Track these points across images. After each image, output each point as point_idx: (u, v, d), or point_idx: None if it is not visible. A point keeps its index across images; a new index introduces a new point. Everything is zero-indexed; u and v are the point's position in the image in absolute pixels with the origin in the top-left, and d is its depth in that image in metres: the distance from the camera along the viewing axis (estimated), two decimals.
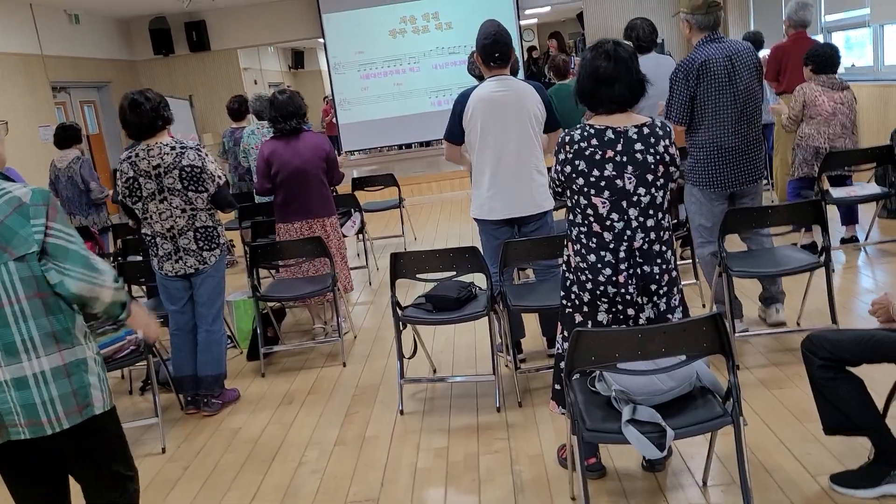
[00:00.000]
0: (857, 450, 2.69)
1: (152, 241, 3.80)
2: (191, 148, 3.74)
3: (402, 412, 3.66)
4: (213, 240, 3.85)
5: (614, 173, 2.49)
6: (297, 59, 18.32)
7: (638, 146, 2.48)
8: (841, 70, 5.65)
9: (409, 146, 13.73)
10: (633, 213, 2.52)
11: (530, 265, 4.12)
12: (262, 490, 3.11)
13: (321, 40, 12.12)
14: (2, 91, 8.22)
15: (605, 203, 2.52)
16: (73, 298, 1.99)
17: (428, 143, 13.39)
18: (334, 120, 12.37)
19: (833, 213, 5.10)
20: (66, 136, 6.34)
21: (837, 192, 4.85)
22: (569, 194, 2.63)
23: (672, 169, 2.54)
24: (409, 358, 3.83)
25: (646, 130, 2.50)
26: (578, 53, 13.63)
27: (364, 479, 3.10)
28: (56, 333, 1.98)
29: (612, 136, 2.49)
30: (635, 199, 2.51)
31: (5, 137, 2.13)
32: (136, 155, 3.72)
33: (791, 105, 4.96)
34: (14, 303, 1.93)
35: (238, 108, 6.81)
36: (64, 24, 9.74)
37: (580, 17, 13.42)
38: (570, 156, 2.54)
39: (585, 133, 2.52)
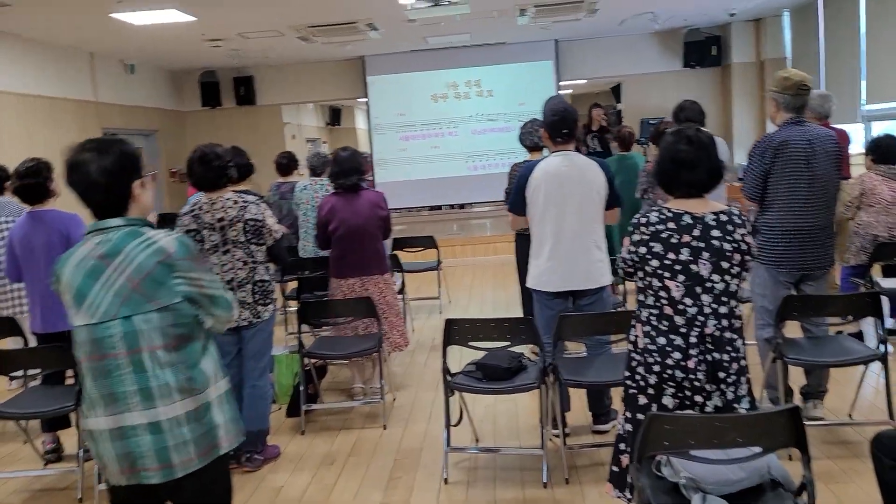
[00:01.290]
0: None
1: None
2: (252, 203, 3.84)
3: (446, 481, 3.62)
4: (268, 294, 3.90)
5: (690, 258, 2.52)
6: (335, 116, 18.72)
7: (715, 233, 2.51)
8: None
9: (439, 208, 13.89)
10: (706, 299, 2.53)
11: (583, 340, 4.12)
12: None
13: (360, 99, 12.41)
14: (53, 133, 8.47)
15: (678, 287, 2.54)
16: (219, 332, 2.20)
17: (461, 206, 13.53)
18: (370, 177, 12.57)
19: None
20: None
21: (887, 283, 4.83)
22: (641, 275, 2.65)
23: (747, 258, 2.56)
24: (455, 425, 3.81)
25: (723, 218, 2.53)
26: (612, 126, 13.85)
27: None
28: (189, 379, 2.07)
29: (690, 221, 2.53)
30: (709, 285, 2.53)
31: (151, 185, 2.22)
32: (200, 208, 3.81)
33: (849, 191, 4.99)
34: (152, 350, 2.01)
35: (286, 164, 6.97)
36: (120, 74, 10.08)
37: (615, 89, 13.69)
38: (647, 237, 2.58)
39: (663, 216, 2.56)
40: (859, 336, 4.84)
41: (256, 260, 3.84)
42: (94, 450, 2.11)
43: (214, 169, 3.77)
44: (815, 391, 3.86)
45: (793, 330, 3.94)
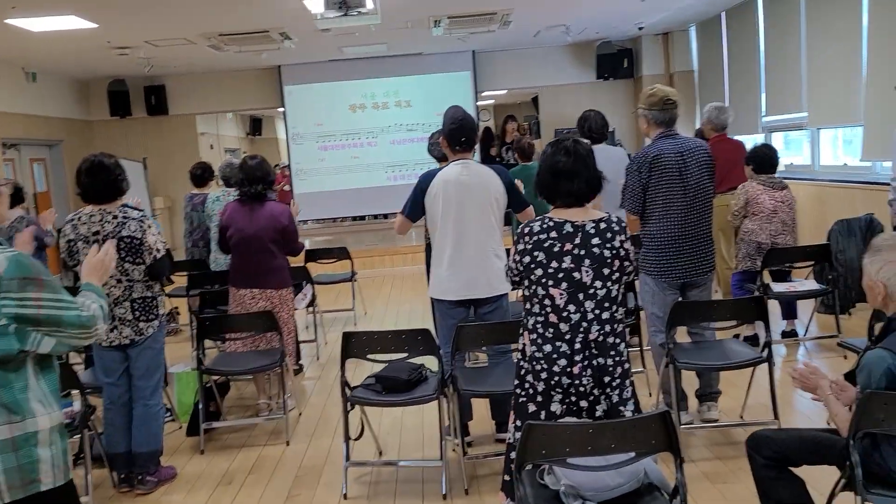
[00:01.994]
0: None
1: None
2: (133, 219, 3.68)
3: (345, 496, 3.56)
4: (151, 311, 3.75)
5: (572, 266, 2.55)
6: (255, 126, 18.42)
7: (595, 240, 2.56)
8: (781, 168, 5.95)
9: (362, 218, 13.80)
10: (589, 305, 2.57)
11: (483, 349, 4.13)
12: None
13: (278, 109, 12.24)
14: None
15: (562, 294, 2.57)
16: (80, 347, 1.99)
17: (384, 216, 13.48)
18: (287, 188, 12.39)
19: (773, 306, 5.26)
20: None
21: (778, 287, 5.03)
22: (526, 284, 2.67)
23: (626, 263, 2.61)
24: (356, 439, 3.75)
25: (602, 225, 2.58)
26: (531, 135, 14.05)
27: None
28: (8, 405, 1.93)
29: (571, 230, 2.56)
30: (592, 291, 2.56)
31: (4, 198, 2.08)
32: (79, 219, 3.66)
33: (734, 202, 5.18)
34: None
35: (201, 175, 6.80)
36: (20, 82, 9.64)
37: (535, 100, 13.91)
38: (530, 247, 2.60)
39: (545, 225, 2.59)
40: (755, 339, 5.04)
41: (133, 278, 3.68)
42: None
43: (102, 181, 3.63)
44: (707, 394, 3.97)
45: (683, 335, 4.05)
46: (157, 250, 3.69)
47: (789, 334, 5.39)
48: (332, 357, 6.10)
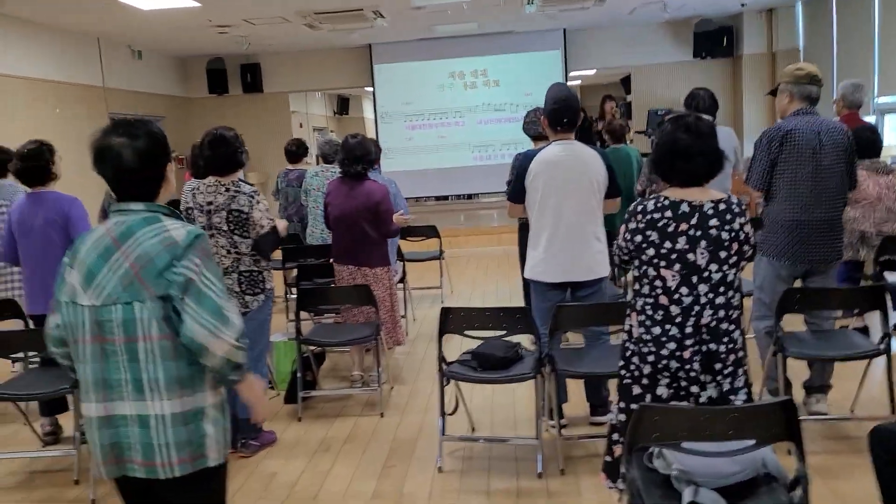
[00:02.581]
0: None
1: None
2: (244, 193, 3.78)
3: (440, 470, 3.60)
4: (257, 284, 3.86)
5: (687, 247, 2.48)
6: (343, 105, 18.68)
7: (713, 222, 2.47)
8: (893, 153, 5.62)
9: (446, 198, 13.85)
10: (702, 288, 2.49)
11: (580, 330, 4.08)
12: None
13: (369, 89, 12.37)
14: (62, 119, 8.48)
15: (674, 276, 2.50)
16: (191, 344, 1.92)
17: (468, 196, 13.49)
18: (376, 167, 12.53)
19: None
20: None
21: (891, 277, 4.76)
22: (637, 264, 2.61)
23: (746, 247, 2.51)
24: (450, 414, 3.78)
25: (722, 206, 2.49)
26: (621, 117, 13.75)
27: None
28: (181, 378, 1.96)
29: (687, 210, 2.48)
30: (706, 274, 2.49)
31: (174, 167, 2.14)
32: (198, 188, 3.80)
33: None
34: (147, 340, 1.93)
35: (295, 151, 6.98)
36: (127, 59, 10.07)
37: (624, 81, 13.59)
38: (642, 226, 2.54)
39: (659, 204, 2.52)
40: (864, 331, 4.79)
41: (240, 251, 3.79)
42: (87, 435, 2.04)
43: (222, 153, 3.75)
44: (817, 386, 3.81)
45: (796, 323, 3.90)
46: (262, 226, 3.78)
47: None
48: (420, 333, 6.17)
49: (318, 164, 6.43)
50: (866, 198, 4.82)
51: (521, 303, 6.59)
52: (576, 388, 4.19)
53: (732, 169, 4.94)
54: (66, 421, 4.19)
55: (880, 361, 3.64)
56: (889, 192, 4.83)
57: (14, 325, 4.54)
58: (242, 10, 8.27)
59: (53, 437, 4.14)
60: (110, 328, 1.93)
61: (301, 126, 14.58)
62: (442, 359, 3.64)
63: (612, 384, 3.99)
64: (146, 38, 9.65)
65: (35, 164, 3.95)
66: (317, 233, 6.10)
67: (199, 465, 2.00)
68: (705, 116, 2.59)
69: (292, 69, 12.02)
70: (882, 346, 3.45)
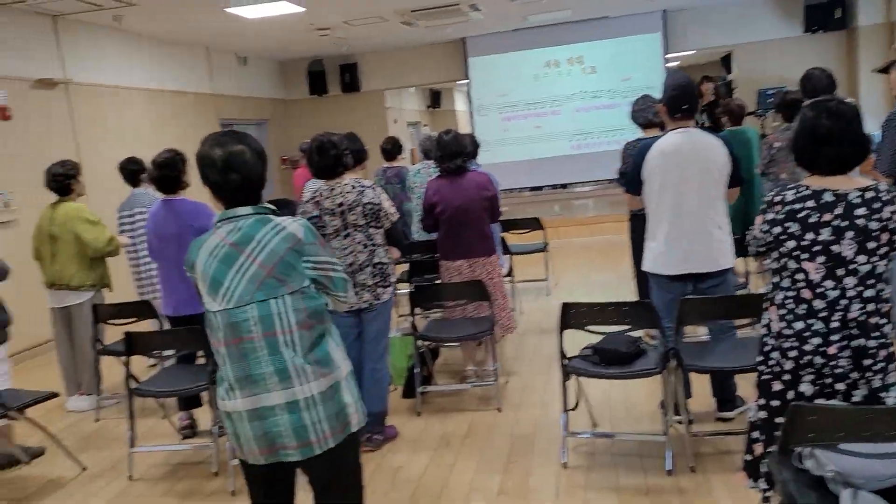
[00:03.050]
0: None
1: None
2: (368, 187, 3.91)
3: (565, 465, 3.59)
4: (387, 277, 3.97)
5: (832, 238, 2.37)
6: (435, 99, 18.83)
7: (860, 211, 2.35)
8: None
9: (540, 188, 13.75)
10: (849, 281, 2.38)
11: (707, 324, 3.97)
12: None
13: (461, 81, 12.41)
14: (177, 126, 8.92)
15: (818, 269, 2.40)
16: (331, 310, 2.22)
17: (563, 186, 13.34)
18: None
19: None
20: None
21: None
22: (775, 256, 2.52)
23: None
24: (572, 410, 3.76)
25: (869, 195, 2.37)
26: (722, 99, 13.23)
27: None
28: (321, 360, 2.13)
29: (832, 199, 2.37)
30: (853, 267, 2.37)
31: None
32: (320, 195, 3.91)
33: None
34: (286, 332, 2.08)
35: (391, 149, 7.07)
36: (233, 66, 10.48)
37: (724, 60, 13.07)
38: (781, 217, 2.44)
39: (800, 194, 2.42)
40: None
41: (375, 242, 3.92)
42: (230, 430, 2.18)
43: (332, 157, 3.86)
44: None
45: None
46: (392, 213, 3.93)
47: None
48: (528, 326, 6.16)
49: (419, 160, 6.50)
50: None
51: (627, 294, 6.49)
52: (699, 384, 4.10)
53: None
54: (200, 415, 4.42)
55: None
56: None
57: (151, 325, 4.83)
58: (343, 11, 8.46)
59: (190, 430, 4.37)
60: (247, 327, 2.05)
61: (395, 122, 14.79)
62: (563, 354, 3.63)
63: (740, 379, 3.89)
64: (251, 44, 10.01)
65: (169, 174, 4.16)
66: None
67: (347, 432, 2.20)
68: (848, 100, 2.46)
69: (388, 66, 12.21)
70: None
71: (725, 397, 3.84)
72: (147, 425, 4.62)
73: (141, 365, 5.34)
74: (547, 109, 11.92)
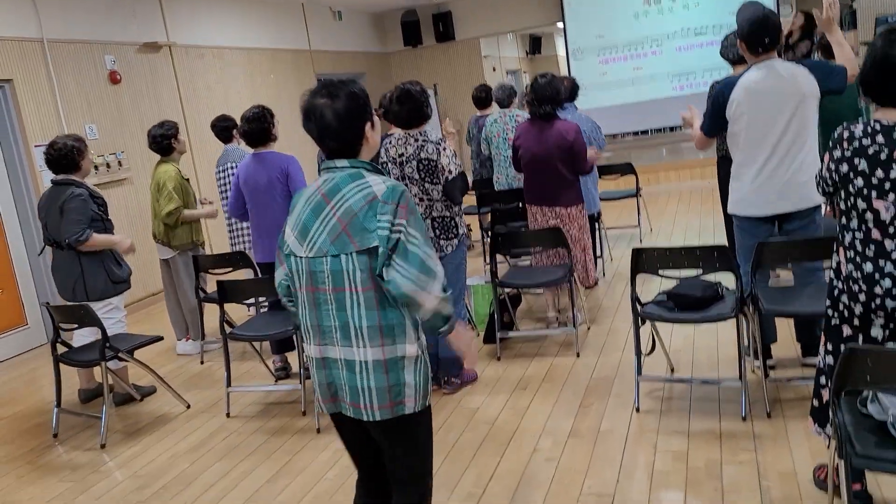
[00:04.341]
0: None
1: None
2: (431, 142, 3.92)
3: (637, 409, 3.60)
4: (451, 230, 4.02)
5: None
6: (535, 45, 18.44)
7: None
8: None
9: (645, 132, 13.30)
10: None
11: (788, 266, 3.83)
12: (498, 472, 3.23)
13: (560, 25, 12.10)
14: (274, 84, 9.23)
15: (889, 208, 2.27)
16: (401, 297, 2.01)
17: (670, 129, 12.86)
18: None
19: None
20: None
21: None
22: (843, 196, 2.40)
23: None
24: (647, 355, 3.74)
25: None
26: (846, 28, 12.26)
27: (599, 473, 3.10)
28: (383, 328, 2.06)
29: None
30: None
31: (378, 125, 2.21)
32: (389, 142, 4.00)
33: None
34: (353, 291, 2.06)
35: (483, 97, 7.05)
36: (329, 21, 10.68)
37: None
38: (849, 154, 2.32)
39: (870, 129, 2.28)
40: None
41: (432, 197, 3.96)
42: (312, 373, 2.25)
43: (409, 108, 3.92)
44: None
45: None
46: (450, 171, 3.92)
47: None
48: (618, 273, 6.09)
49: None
50: None
51: (724, 239, 6.28)
52: (786, 328, 3.97)
53: None
54: (293, 358, 4.70)
55: None
56: None
57: (245, 274, 5.14)
58: None
59: (284, 372, 4.65)
60: (322, 278, 2.09)
61: (494, 70, 14.63)
62: (636, 299, 3.60)
63: None
64: None
65: (257, 127, 4.37)
66: (501, 179, 6.15)
67: (397, 412, 2.10)
68: None
69: (482, 13, 12.07)
70: None
71: (810, 341, 3.70)
72: (245, 368, 4.96)
73: (242, 311, 5.70)
74: (646, 50, 11.47)
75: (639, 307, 3.59)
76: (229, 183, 5.38)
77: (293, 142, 7.67)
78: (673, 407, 3.60)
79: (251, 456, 3.71)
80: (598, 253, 6.30)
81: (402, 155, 3.93)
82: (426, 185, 3.95)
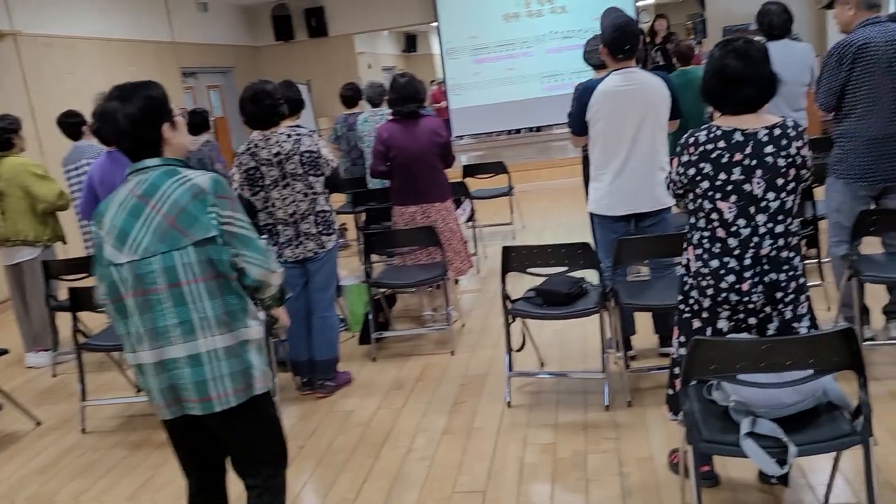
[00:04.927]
0: None
1: (273, 228, 3.96)
2: (305, 135, 3.88)
3: (509, 405, 3.68)
4: (331, 225, 3.98)
5: (742, 177, 2.40)
6: (410, 43, 18.54)
7: (769, 149, 2.38)
8: None
9: (517, 131, 13.66)
10: (760, 218, 2.42)
11: (645, 263, 4.04)
12: (373, 473, 3.22)
13: (435, 24, 12.21)
14: (136, 76, 8.75)
15: (731, 208, 2.43)
16: (254, 283, 2.14)
17: (538, 129, 13.27)
18: (444, 104, 12.45)
19: None
20: (198, 122, 6.66)
21: None
22: (691, 197, 2.55)
23: (804, 171, 2.41)
24: (518, 351, 3.84)
25: (777, 132, 2.39)
26: (697, 36, 13.08)
27: (471, 469, 3.15)
28: (228, 314, 2.11)
29: (741, 139, 2.39)
30: (763, 204, 2.41)
31: (182, 125, 2.22)
32: (256, 145, 3.88)
33: None
34: (191, 283, 2.06)
35: (351, 96, 6.96)
36: (193, 13, 10.25)
37: None
38: (695, 158, 2.46)
39: (712, 134, 2.43)
40: None
41: (316, 191, 3.91)
42: (141, 383, 2.19)
43: (266, 107, 3.81)
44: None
45: (873, 247, 3.74)
46: (331, 160, 3.92)
47: None
48: (492, 270, 6.20)
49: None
50: None
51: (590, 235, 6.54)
52: (645, 321, 4.18)
53: (806, 89, 4.67)
54: None
55: None
56: None
57: None
58: None
59: None
60: (152, 279, 2.06)
61: (370, 67, 14.57)
62: (506, 297, 3.68)
63: None
64: None
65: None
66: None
67: (250, 393, 2.16)
68: (757, 39, 2.45)
69: (355, 10, 11.97)
70: None
71: (667, 333, 3.91)
72: (103, 379, 4.68)
73: (99, 320, 5.37)
74: (518, 51, 11.78)
75: (509, 304, 3.68)
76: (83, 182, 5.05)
77: None
78: (542, 400, 3.71)
79: (110, 473, 3.51)
80: (473, 250, 6.40)
81: (278, 154, 3.82)
82: (310, 178, 3.88)
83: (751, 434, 2.14)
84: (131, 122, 2.07)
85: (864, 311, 3.60)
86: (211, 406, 2.11)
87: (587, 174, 5.04)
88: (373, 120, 6.05)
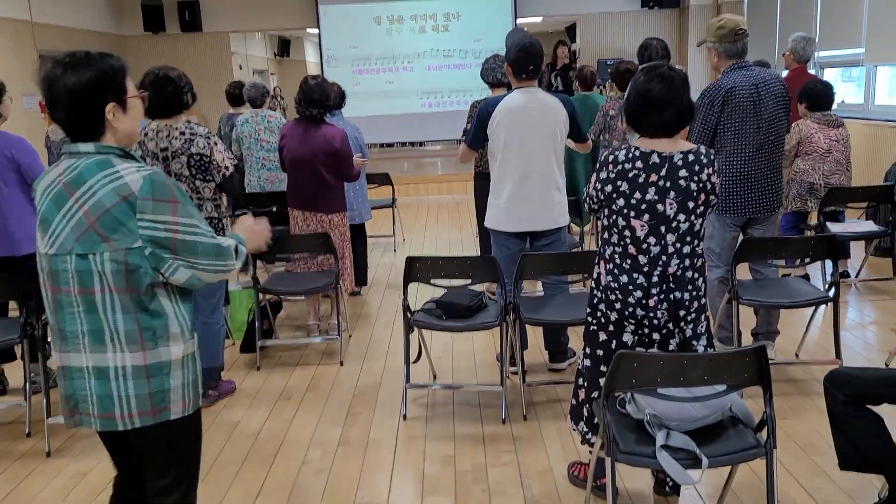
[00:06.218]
0: (866, 487, 2.76)
1: None
2: (201, 136, 3.63)
3: (405, 417, 3.63)
4: (218, 231, 3.77)
5: (656, 198, 2.51)
6: (283, 47, 18.14)
7: (682, 172, 2.50)
8: (834, 107, 5.79)
9: (391, 145, 13.68)
10: (670, 238, 2.54)
11: (541, 278, 4.14)
12: (266, 487, 3.06)
13: (310, 30, 12.01)
14: None
15: (643, 226, 2.54)
16: (203, 288, 1.97)
17: (413, 144, 13.36)
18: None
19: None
20: None
21: (835, 228, 4.96)
22: (606, 213, 2.64)
23: (712, 197, 2.56)
24: (415, 362, 3.81)
25: (691, 157, 2.52)
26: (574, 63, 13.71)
27: (371, 482, 3.07)
28: (143, 331, 1.88)
29: (658, 161, 2.51)
30: (674, 224, 2.53)
31: (136, 111, 1.97)
32: (146, 134, 3.63)
33: (787, 140, 5.05)
34: (106, 292, 1.84)
35: (237, 95, 6.70)
36: None
37: (570, 29, 13.55)
38: (613, 175, 2.55)
39: (630, 154, 2.53)
40: (806, 279, 5.00)
41: (203, 196, 3.68)
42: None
43: (167, 94, 3.58)
44: (765, 332, 3.96)
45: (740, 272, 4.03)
46: (226, 167, 3.67)
47: (841, 276, 5.34)
48: (374, 281, 6.15)
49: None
50: (816, 150, 4.98)
51: (473, 250, 6.64)
52: (533, 336, 4.28)
53: None
54: (14, 371, 4.06)
55: (823, 308, 3.80)
56: (838, 144, 5.00)
57: None
58: None
59: (1, 387, 4.00)
60: (65, 279, 1.85)
61: (241, 68, 14.09)
62: (407, 307, 3.64)
63: (572, 331, 4.10)
64: None
65: None
66: (253, 181, 5.90)
67: (161, 418, 1.93)
68: (679, 68, 2.60)
69: (233, 8, 11.56)
70: (831, 294, 3.60)
71: (557, 349, 4.03)
72: None
73: None
74: (399, 65, 11.81)
75: (409, 315, 3.64)
76: None
77: (21, 122, 6.66)
78: (438, 413, 3.69)
79: None
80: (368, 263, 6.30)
81: (165, 150, 3.57)
82: (197, 182, 3.64)
83: (665, 446, 2.22)
84: (69, 94, 1.82)
85: (737, 333, 3.87)
86: (114, 424, 1.90)
87: (478, 191, 5.14)
88: (253, 121, 5.84)
